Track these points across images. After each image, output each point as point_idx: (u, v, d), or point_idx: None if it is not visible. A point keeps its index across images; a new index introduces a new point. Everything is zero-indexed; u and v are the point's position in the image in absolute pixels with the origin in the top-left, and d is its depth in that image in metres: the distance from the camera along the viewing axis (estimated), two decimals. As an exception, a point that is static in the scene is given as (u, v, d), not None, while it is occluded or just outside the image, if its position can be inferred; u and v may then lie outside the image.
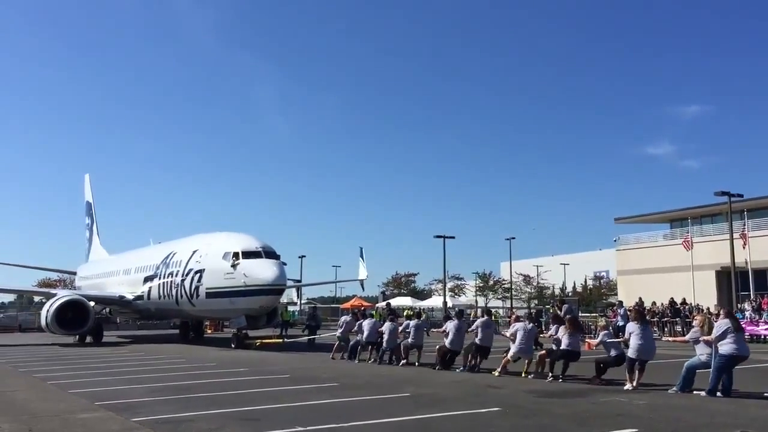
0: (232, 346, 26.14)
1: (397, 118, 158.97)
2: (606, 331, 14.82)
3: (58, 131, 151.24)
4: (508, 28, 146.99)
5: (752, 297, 35.97)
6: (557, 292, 71.47)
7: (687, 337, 13.28)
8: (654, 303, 35.98)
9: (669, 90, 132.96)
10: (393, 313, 23.70)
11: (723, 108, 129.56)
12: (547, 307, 53.14)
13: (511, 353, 15.67)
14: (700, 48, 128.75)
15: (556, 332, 15.27)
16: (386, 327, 19.41)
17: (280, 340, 27.01)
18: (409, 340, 18.63)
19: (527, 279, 72.24)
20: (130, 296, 34.46)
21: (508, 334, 16.31)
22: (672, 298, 35.38)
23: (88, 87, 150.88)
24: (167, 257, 31.63)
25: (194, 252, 28.88)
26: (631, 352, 13.15)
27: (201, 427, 9.11)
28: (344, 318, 22.80)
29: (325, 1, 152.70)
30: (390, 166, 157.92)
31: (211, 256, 27.47)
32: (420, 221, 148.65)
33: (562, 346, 14.73)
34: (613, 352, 13.97)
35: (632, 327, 13.45)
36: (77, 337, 31.49)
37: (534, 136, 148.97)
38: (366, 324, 20.32)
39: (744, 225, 39.31)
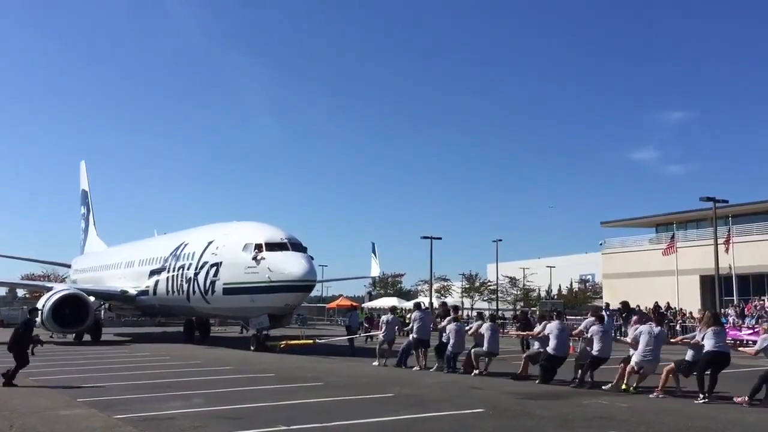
0: (252, 348, 23.80)
1: (384, 118, 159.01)
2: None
3: (49, 123, 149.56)
4: (495, 32, 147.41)
5: (736, 302, 36.32)
6: (543, 294, 71.70)
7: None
8: (638, 306, 36.19)
9: (654, 96, 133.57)
10: (455, 312, 19.43)
11: (707, 114, 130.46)
12: (533, 309, 53.32)
13: (633, 363, 12.93)
14: (684, 54, 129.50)
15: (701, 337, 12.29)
16: (451, 327, 16.73)
17: (311, 342, 24.02)
18: (484, 348, 16.03)
19: (513, 281, 72.44)
20: (133, 291, 32.14)
21: (629, 339, 13.67)
22: (657, 302, 35.65)
23: (78, 80, 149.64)
24: (177, 248, 29.05)
25: (209, 243, 26.21)
26: None
27: (183, 425, 9.08)
28: (386, 317, 19.65)
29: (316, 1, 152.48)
30: (377, 167, 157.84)
31: (229, 247, 24.88)
32: (407, 222, 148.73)
33: (707, 348, 11.81)
34: None
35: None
36: (74, 335, 29.59)
37: (521, 139, 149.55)
38: (417, 317, 17.83)
39: (729, 230, 39.67)
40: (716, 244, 35.67)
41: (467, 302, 70.59)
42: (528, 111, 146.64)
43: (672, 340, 15.35)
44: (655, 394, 12.23)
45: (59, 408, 10.64)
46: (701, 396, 11.60)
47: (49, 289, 31.46)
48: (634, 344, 13.08)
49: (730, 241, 38.57)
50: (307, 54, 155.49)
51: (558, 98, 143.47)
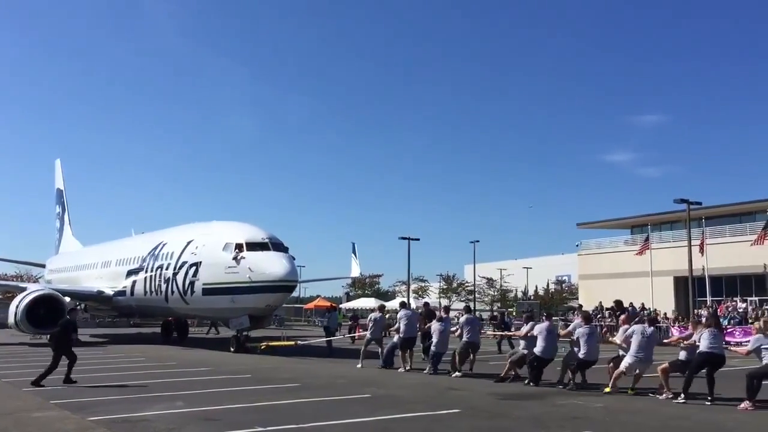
0: (231, 349, 23.41)
1: (363, 119, 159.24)
2: (760, 335, 11.36)
3: (23, 121, 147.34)
4: (471, 33, 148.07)
5: (708, 303, 36.84)
6: (519, 295, 72.18)
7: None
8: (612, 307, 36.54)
9: (630, 99, 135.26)
10: (446, 312, 18.79)
11: (682, 117, 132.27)
12: (509, 310, 53.65)
13: (624, 365, 12.76)
14: (661, 57, 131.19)
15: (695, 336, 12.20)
16: (436, 326, 16.51)
17: (292, 343, 23.75)
18: (465, 338, 15.99)
19: (490, 282, 72.81)
20: (109, 291, 31.59)
21: (618, 341, 13.46)
22: (631, 303, 36.00)
23: (57, 78, 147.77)
24: (156, 248, 28.54)
25: (189, 242, 25.76)
26: None
27: (159, 427, 9.01)
28: (374, 315, 19.01)
29: (296, 2, 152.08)
30: (355, 167, 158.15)
31: (209, 247, 24.46)
32: (385, 223, 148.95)
33: (701, 349, 11.70)
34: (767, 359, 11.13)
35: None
36: (49, 336, 29.16)
37: (498, 140, 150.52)
38: (403, 315, 17.35)
39: (702, 232, 40.24)
40: (690, 246, 36.15)
41: (444, 303, 70.89)
42: (505, 112, 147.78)
43: (665, 341, 15.25)
44: (664, 395, 12.09)
45: (32, 410, 10.50)
46: (681, 396, 11.62)
47: (23, 289, 30.58)
48: (625, 345, 12.94)
49: (704, 243, 39.12)
50: (287, 54, 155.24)
51: (535, 100, 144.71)
